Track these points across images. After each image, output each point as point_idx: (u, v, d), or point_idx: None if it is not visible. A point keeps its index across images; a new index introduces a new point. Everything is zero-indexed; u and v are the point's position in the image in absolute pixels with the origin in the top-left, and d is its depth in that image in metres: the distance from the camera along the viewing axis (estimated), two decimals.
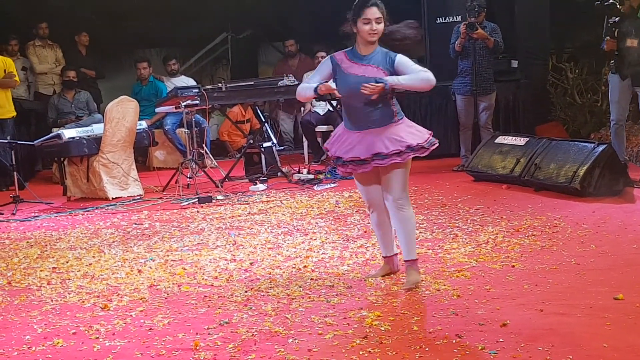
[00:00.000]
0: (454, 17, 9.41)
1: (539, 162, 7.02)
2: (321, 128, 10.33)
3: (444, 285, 4.27)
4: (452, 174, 8.31)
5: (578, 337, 3.39)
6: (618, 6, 6.87)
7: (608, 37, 6.94)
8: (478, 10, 8.17)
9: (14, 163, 7.96)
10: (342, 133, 4.38)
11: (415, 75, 4.24)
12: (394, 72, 4.25)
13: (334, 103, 9.31)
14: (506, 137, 7.79)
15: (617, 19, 6.88)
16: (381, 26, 4.27)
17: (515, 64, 9.85)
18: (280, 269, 4.84)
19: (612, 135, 7.32)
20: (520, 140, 7.48)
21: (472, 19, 8.11)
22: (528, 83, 9.85)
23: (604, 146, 6.70)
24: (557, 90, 10.08)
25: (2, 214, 7.49)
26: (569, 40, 10.91)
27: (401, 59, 4.29)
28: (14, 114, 9.00)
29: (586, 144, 6.91)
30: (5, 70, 8.89)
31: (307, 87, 4.38)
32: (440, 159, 8.88)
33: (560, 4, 9.96)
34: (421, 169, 8.84)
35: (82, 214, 7.31)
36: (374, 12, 4.26)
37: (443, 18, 9.75)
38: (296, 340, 3.53)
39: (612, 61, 7.16)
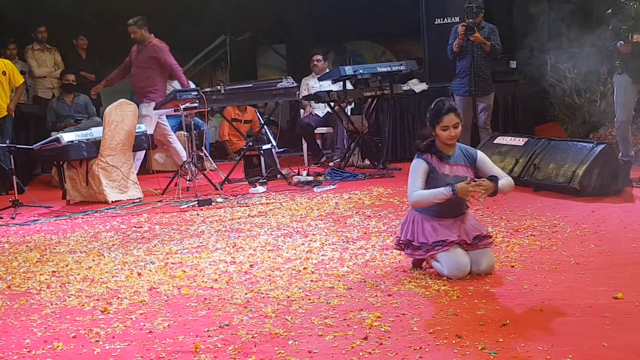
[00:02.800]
0: (453, 18, 9.43)
1: (538, 162, 7.03)
2: (320, 130, 10.35)
3: (444, 285, 4.27)
4: None
5: (578, 337, 3.39)
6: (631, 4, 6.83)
7: (622, 42, 6.87)
8: (476, 11, 8.17)
9: (13, 167, 7.96)
10: (424, 221, 4.50)
11: (509, 181, 4.51)
12: (475, 167, 4.53)
13: (333, 105, 9.33)
14: (505, 137, 7.80)
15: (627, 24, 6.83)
16: (459, 129, 4.50)
17: (514, 64, 9.87)
18: (280, 270, 4.83)
19: (618, 135, 7.29)
20: (519, 141, 7.49)
21: (470, 21, 8.12)
22: (527, 83, 9.86)
23: (602, 146, 6.71)
24: (556, 91, 10.09)
25: (2, 217, 7.50)
26: (568, 41, 10.92)
27: (482, 157, 4.58)
28: (5, 113, 8.97)
29: (585, 144, 6.92)
30: (4, 72, 8.90)
31: (429, 193, 4.42)
32: None
33: (558, 4, 9.97)
34: None
35: (82, 218, 7.31)
36: (451, 119, 4.48)
37: (441, 19, 9.77)
38: (296, 342, 3.53)
39: (618, 62, 7.12)
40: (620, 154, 7.25)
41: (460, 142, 4.67)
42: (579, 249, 4.90)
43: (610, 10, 6.99)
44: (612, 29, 7.11)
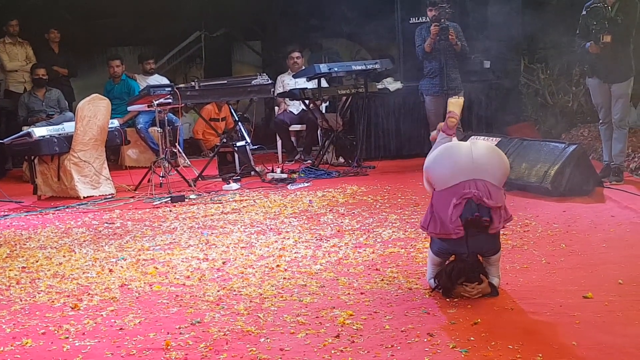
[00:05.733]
0: (427, 17, 9.44)
1: (510, 162, 7.00)
2: (295, 127, 10.33)
3: (416, 284, 4.29)
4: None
5: (548, 336, 3.42)
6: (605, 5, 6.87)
7: (592, 42, 6.92)
8: (449, 11, 8.25)
9: None
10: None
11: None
12: None
13: (307, 102, 9.33)
14: (478, 136, 7.83)
15: (595, 23, 6.88)
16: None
17: (487, 64, 9.92)
18: (253, 268, 4.83)
19: (601, 134, 7.33)
20: (493, 140, 7.52)
21: (443, 21, 8.19)
22: (500, 83, 9.92)
23: (574, 146, 6.77)
24: (529, 91, 10.17)
25: None
26: (541, 41, 11.00)
27: None
28: None
29: (557, 144, 6.98)
30: None
31: None
32: (412, 158, 8.95)
33: (532, 5, 10.04)
34: (394, 169, 8.90)
35: (53, 213, 7.24)
36: None
37: (416, 18, 9.79)
38: (268, 340, 3.53)
39: (587, 66, 7.18)
40: (604, 158, 7.30)
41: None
42: (550, 249, 4.94)
43: (584, 12, 7.04)
44: (580, 31, 7.16)
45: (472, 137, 7.88)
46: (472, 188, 3.92)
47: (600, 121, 7.26)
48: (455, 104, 4.68)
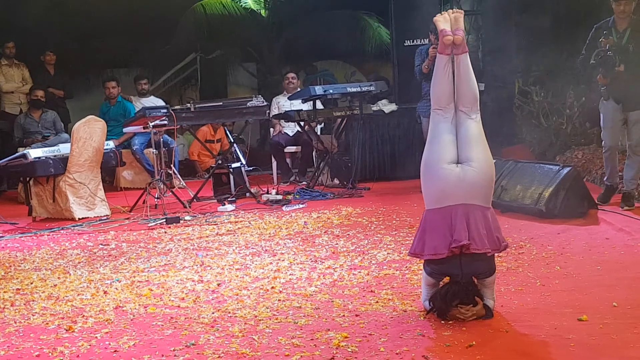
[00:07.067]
0: (422, 40, 9.51)
1: (505, 184, 7.10)
2: (290, 149, 10.36)
3: (411, 306, 4.28)
4: (419, 195, 8.27)
5: (542, 358, 3.42)
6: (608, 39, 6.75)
7: (601, 75, 6.82)
8: None
9: None
10: None
11: None
12: None
13: (302, 124, 9.36)
14: None
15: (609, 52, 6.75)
16: None
17: (482, 86, 9.95)
18: (248, 290, 4.82)
19: (605, 160, 7.17)
20: None
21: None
22: (495, 106, 9.96)
23: (568, 168, 6.79)
24: (524, 113, 10.21)
25: None
26: (535, 64, 11.08)
27: None
28: None
29: (551, 167, 6.99)
30: None
31: None
32: (407, 180, 8.95)
33: (526, 28, 10.12)
34: (389, 190, 8.91)
35: (48, 235, 7.23)
36: None
37: (411, 41, 9.85)
38: None
39: (603, 88, 7.02)
40: (605, 178, 7.23)
41: None
42: (544, 271, 4.94)
43: (593, 32, 6.90)
44: (585, 52, 6.93)
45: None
46: (462, 228, 3.91)
47: (605, 148, 7.06)
48: (443, 21, 4.22)
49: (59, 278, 5.38)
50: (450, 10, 4.32)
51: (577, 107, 9.62)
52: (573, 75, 9.11)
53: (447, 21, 4.23)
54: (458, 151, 4.19)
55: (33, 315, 4.46)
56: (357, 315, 4.16)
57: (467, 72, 4.22)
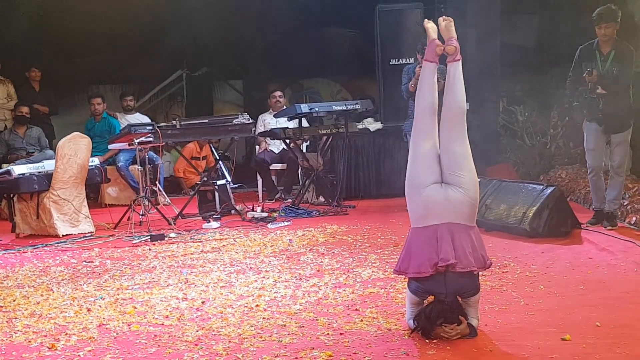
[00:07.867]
0: (407, 59, 9.57)
1: (489, 202, 7.13)
2: (276, 166, 10.37)
3: (395, 325, 4.29)
4: (404, 213, 8.31)
5: None
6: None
7: (587, 72, 6.80)
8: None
9: None
10: None
11: None
12: None
13: (288, 142, 9.38)
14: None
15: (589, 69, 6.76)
16: None
17: (467, 105, 10.01)
18: (232, 307, 4.81)
19: (590, 183, 7.16)
20: None
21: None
22: (479, 125, 10.02)
23: (552, 188, 6.84)
24: (508, 133, 10.29)
25: None
26: (520, 84, 11.17)
27: None
28: None
29: (535, 186, 7.04)
30: None
31: None
32: (392, 198, 8.98)
33: (510, 48, 10.21)
34: (374, 208, 8.93)
35: (31, 252, 7.19)
36: None
37: (397, 60, 9.91)
38: None
39: (585, 110, 7.02)
40: (592, 203, 7.22)
41: None
42: (528, 290, 4.96)
43: (578, 56, 6.93)
44: (572, 74, 6.99)
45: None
46: (448, 247, 3.93)
47: (590, 170, 7.06)
48: (432, 29, 4.33)
49: (42, 295, 5.35)
50: (441, 18, 4.35)
51: (560, 127, 9.71)
52: (557, 95, 9.20)
53: (435, 31, 4.31)
54: (442, 169, 4.20)
55: (15, 333, 4.43)
56: (341, 334, 4.16)
57: (455, 81, 4.25)
